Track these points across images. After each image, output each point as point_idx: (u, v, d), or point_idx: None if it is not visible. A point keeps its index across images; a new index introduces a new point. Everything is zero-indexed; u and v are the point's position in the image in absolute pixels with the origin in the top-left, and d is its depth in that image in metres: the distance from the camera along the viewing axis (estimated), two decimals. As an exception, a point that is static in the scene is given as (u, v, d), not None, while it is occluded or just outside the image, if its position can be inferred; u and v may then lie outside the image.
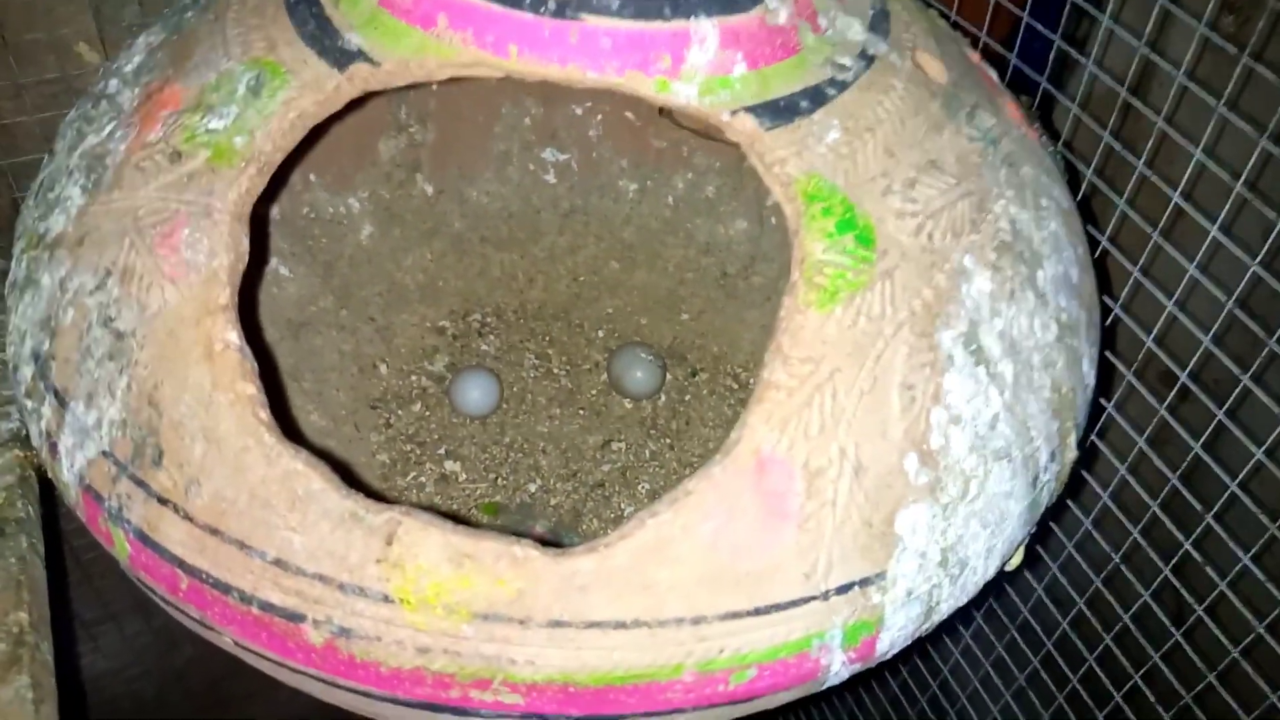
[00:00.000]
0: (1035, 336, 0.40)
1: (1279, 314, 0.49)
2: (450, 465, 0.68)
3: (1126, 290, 0.55)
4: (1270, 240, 0.45)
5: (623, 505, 0.67)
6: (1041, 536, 0.67)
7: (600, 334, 0.76)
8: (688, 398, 0.73)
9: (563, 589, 0.34)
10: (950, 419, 0.37)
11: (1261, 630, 0.51)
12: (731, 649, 0.35)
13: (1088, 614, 0.65)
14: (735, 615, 0.35)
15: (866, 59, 0.41)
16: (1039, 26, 0.55)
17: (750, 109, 0.38)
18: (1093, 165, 0.55)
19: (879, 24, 0.43)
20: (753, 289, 0.74)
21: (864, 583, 0.36)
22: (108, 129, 0.42)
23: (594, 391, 0.73)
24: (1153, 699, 0.60)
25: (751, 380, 0.72)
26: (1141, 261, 0.53)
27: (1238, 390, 0.48)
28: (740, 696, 0.36)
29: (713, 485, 0.34)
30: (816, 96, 0.39)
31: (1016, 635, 0.72)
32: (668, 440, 0.70)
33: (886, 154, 0.39)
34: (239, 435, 0.34)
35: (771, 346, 0.35)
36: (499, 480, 0.67)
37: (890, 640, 0.38)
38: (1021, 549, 0.45)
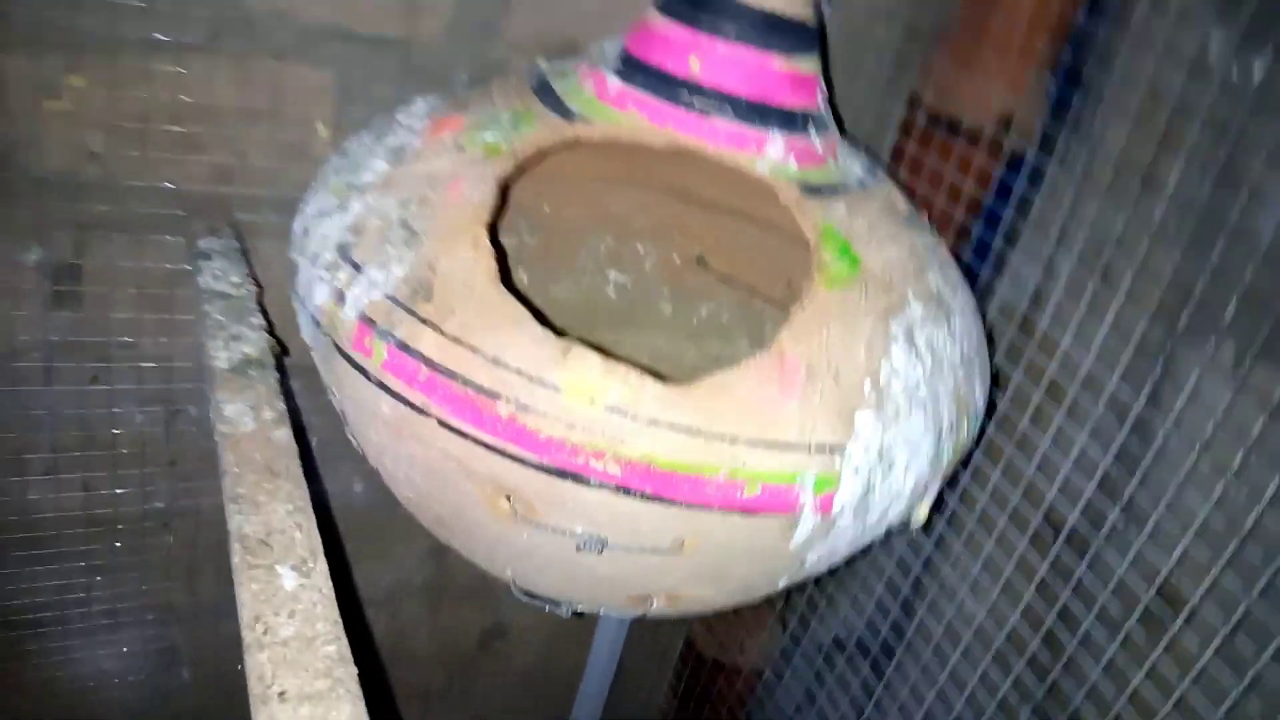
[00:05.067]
0: (947, 351, 0.66)
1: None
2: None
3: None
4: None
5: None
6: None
7: (629, 405, 1.00)
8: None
9: (661, 400, 0.57)
10: (892, 370, 0.62)
11: None
12: (750, 464, 0.57)
13: None
14: (755, 443, 0.57)
15: (862, 182, 0.70)
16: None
17: (796, 185, 0.66)
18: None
19: (871, 170, 0.73)
20: (747, 392, 1.00)
21: (831, 448, 0.59)
22: (403, 137, 0.69)
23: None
24: None
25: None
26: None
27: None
28: (750, 508, 0.58)
29: (756, 363, 0.58)
30: (832, 190, 0.67)
31: None
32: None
33: (870, 228, 0.66)
34: (486, 288, 0.58)
35: (799, 301, 0.61)
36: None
37: (841, 503, 0.61)
38: (926, 505, 0.68)
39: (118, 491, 1.08)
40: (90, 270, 0.93)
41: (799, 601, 1.31)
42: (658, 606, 0.70)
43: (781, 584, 0.71)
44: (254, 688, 0.43)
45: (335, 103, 0.93)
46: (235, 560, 0.48)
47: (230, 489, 0.53)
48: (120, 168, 0.88)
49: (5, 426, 0.99)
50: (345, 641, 0.44)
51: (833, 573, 1.25)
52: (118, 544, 1.12)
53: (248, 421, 0.59)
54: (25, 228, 0.87)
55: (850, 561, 1.18)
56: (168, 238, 0.91)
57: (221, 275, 0.77)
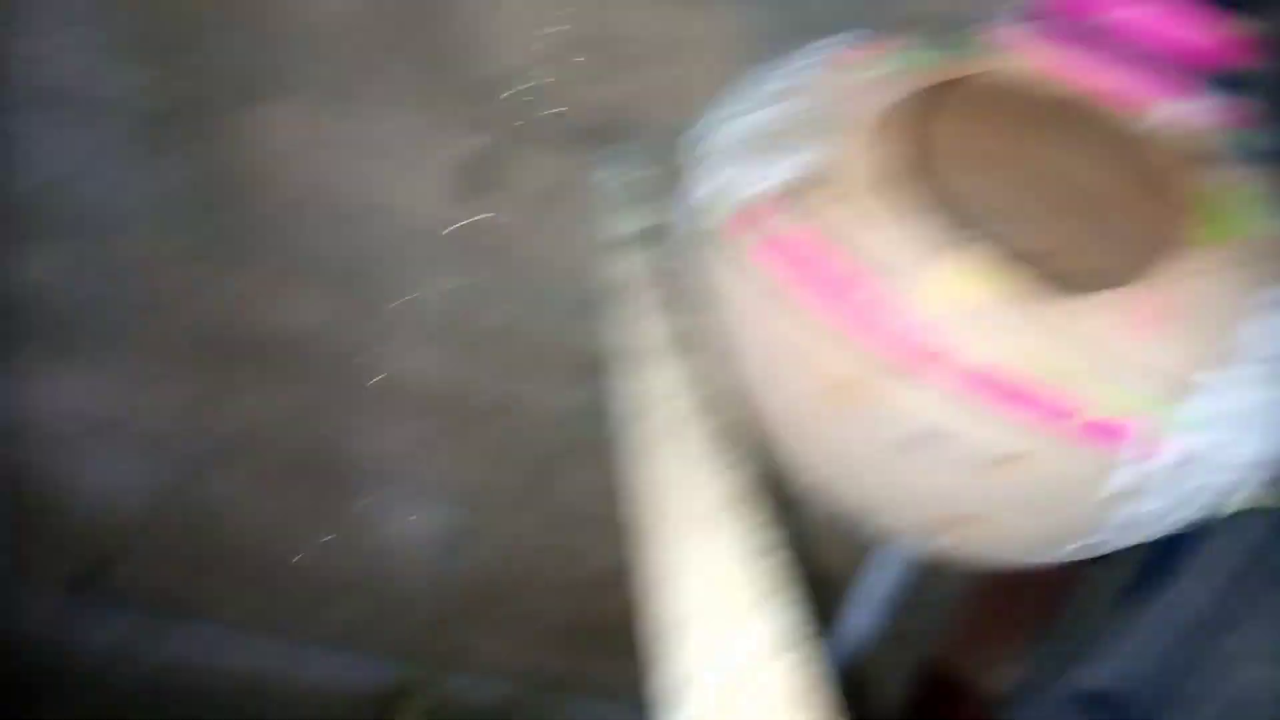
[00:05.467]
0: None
1: None
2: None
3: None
4: None
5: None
6: None
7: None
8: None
9: (1021, 311, 0.60)
10: (1255, 337, 0.61)
11: None
12: (1092, 390, 0.59)
13: None
14: (1102, 371, 0.59)
15: (1264, 157, 0.70)
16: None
17: (1193, 143, 0.67)
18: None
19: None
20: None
21: (1173, 395, 0.59)
22: (810, 62, 0.76)
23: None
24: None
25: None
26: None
27: None
28: (1081, 433, 0.60)
29: (1117, 296, 0.60)
30: (1228, 157, 0.68)
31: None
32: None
33: (1259, 200, 0.67)
34: (873, 182, 0.64)
35: (1179, 259, 0.62)
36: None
37: (1169, 453, 0.60)
38: (1253, 495, 0.66)
39: (466, 373, 1.23)
40: (500, 170, 1.07)
41: (1055, 633, 1.26)
42: (952, 539, 0.73)
43: (1077, 545, 0.71)
44: (640, 523, 0.52)
45: (745, 45, 1.00)
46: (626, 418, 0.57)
47: (616, 332, 0.63)
48: (546, 83, 1.01)
49: (385, 297, 1.16)
50: (734, 479, 0.51)
51: (1103, 612, 1.20)
52: (449, 425, 1.27)
53: (630, 278, 0.69)
54: (457, 125, 1.03)
55: (1128, 600, 1.13)
56: (575, 150, 1.03)
57: (618, 186, 0.88)
